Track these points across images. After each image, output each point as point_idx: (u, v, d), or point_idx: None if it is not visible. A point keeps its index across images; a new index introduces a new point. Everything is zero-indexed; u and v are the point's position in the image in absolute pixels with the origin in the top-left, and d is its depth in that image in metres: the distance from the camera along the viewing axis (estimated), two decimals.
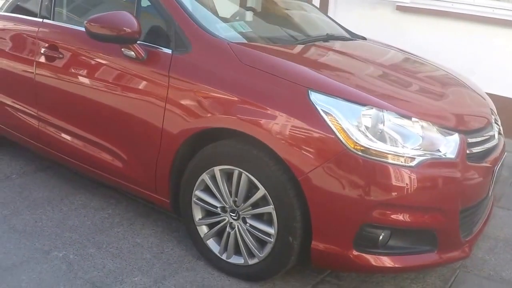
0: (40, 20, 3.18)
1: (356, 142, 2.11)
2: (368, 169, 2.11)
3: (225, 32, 2.63)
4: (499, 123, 2.85)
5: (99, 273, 2.47)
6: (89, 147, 2.94)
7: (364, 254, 2.22)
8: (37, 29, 3.14)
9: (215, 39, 2.50)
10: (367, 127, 2.15)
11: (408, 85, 2.65)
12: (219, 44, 2.48)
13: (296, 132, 2.19)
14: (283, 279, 2.52)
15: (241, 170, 2.34)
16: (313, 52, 2.79)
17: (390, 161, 2.12)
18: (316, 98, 2.19)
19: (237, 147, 2.34)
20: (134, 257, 2.63)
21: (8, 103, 3.40)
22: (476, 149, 2.39)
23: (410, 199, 2.15)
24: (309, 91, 2.21)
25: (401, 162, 2.13)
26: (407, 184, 2.13)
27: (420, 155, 2.16)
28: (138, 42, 2.58)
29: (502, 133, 2.85)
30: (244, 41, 2.62)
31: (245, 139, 2.31)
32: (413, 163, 2.14)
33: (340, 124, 2.13)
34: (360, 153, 2.11)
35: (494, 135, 2.61)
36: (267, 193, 2.28)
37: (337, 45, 3.07)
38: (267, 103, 2.26)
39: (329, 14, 6.09)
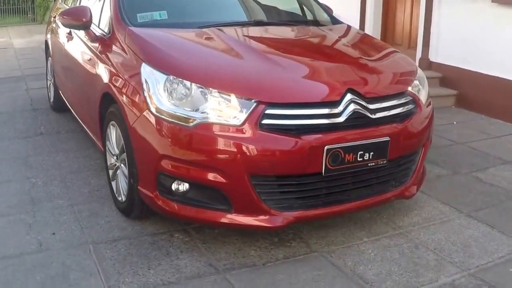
0: None
1: (156, 105, 2.74)
2: (159, 126, 2.71)
3: (141, 19, 3.44)
4: (380, 106, 2.90)
5: (42, 194, 3.55)
6: (77, 101, 4.18)
7: (165, 199, 2.79)
8: None
9: (122, 25, 3.35)
10: (169, 92, 2.73)
11: (254, 61, 3.01)
12: (122, 29, 3.34)
13: (132, 95, 2.92)
14: (153, 221, 3.17)
15: (116, 125, 3.13)
16: (196, 34, 3.34)
17: (175, 121, 2.67)
18: (144, 69, 2.88)
19: (116, 107, 3.14)
20: (77, 190, 3.63)
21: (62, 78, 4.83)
22: (285, 122, 2.65)
23: (188, 155, 2.65)
24: (143, 63, 2.91)
25: (182, 122, 2.65)
26: (183, 142, 2.65)
27: (200, 118, 2.62)
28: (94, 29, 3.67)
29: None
30: (147, 27, 3.36)
31: None
32: (191, 124, 2.63)
33: (150, 89, 2.78)
34: (156, 113, 2.73)
35: (338, 113, 2.74)
36: (123, 143, 3.03)
37: (240, 29, 3.52)
38: (125, 73, 3.05)
39: (434, 13, 6.04)
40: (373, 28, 6.97)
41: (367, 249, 2.99)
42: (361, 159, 2.78)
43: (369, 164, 2.83)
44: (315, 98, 2.78)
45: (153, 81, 2.79)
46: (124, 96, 2.97)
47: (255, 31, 3.60)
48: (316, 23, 4.02)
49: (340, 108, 2.76)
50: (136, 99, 2.86)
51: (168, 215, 2.91)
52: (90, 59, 3.62)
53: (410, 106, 3.08)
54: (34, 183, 3.74)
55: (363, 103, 2.83)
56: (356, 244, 3.04)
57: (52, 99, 5.47)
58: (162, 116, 2.70)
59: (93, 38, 3.66)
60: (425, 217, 3.38)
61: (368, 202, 2.97)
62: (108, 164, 3.43)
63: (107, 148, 3.41)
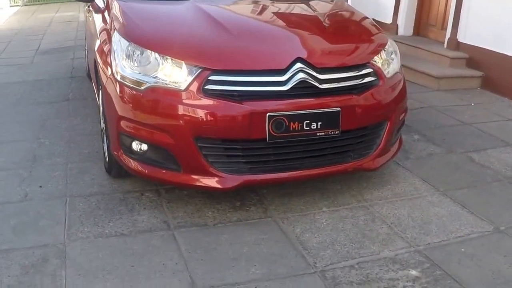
0: None
1: (118, 69, 2.86)
2: (120, 90, 2.84)
3: None
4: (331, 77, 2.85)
5: (45, 153, 3.80)
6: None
7: (127, 158, 2.92)
8: None
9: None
10: (130, 58, 2.83)
11: (210, 30, 3.01)
12: (112, 1, 3.47)
13: (105, 60, 3.06)
14: (132, 180, 3.30)
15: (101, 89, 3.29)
16: (172, 6, 3.40)
17: (130, 85, 2.79)
18: (114, 37, 3.01)
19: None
20: (78, 150, 3.84)
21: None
22: (228, 88, 2.69)
23: (140, 117, 2.76)
24: (115, 31, 3.04)
25: (135, 86, 2.76)
26: (136, 104, 2.77)
27: (151, 82, 2.71)
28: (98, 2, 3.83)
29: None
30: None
31: None
32: (142, 88, 2.73)
33: (116, 55, 2.91)
34: (117, 77, 2.86)
35: (283, 82, 2.73)
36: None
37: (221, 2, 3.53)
38: (104, 41, 3.19)
39: None
40: (407, 8, 6.67)
41: (322, 218, 2.97)
42: (308, 128, 2.75)
43: (318, 134, 2.79)
44: (259, 66, 2.78)
45: (119, 47, 2.92)
46: (101, 61, 3.12)
47: (231, 2, 3.62)
48: None
49: (286, 76, 2.75)
50: (107, 64, 3.02)
51: (131, 172, 3.03)
52: (92, 29, 3.81)
53: (370, 78, 2.99)
54: (42, 143, 4.00)
55: (313, 73, 2.79)
56: (313, 213, 3.02)
57: (87, 68, 5.77)
58: (122, 81, 2.83)
59: (96, 10, 3.83)
60: (396, 192, 3.28)
61: (322, 171, 2.93)
62: (102, 127, 3.60)
63: (100, 112, 3.58)
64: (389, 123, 3.07)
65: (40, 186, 3.29)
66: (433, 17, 6.48)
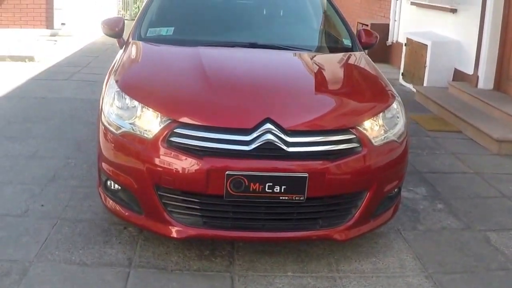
0: None
1: (104, 111, 3.12)
2: (104, 129, 3.07)
3: (150, 34, 3.87)
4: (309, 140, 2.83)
5: (65, 173, 4.15)
6: None
7: (104, 195, 3.15)
8: None
9: (131, 38, 3.83)
10: (115, 102, 3.06)
11: (191, 82, 3.16)
12: (129, 41, 3.79)
13: (103, 98, 3.31)
14: None
15: None
16: (172, 52, 3.63)
17: (110, 128, 3.01)
18: (110, 79, 3.29)
19: None
20: (93, 175, 3.93)
21: None
22: (191, 142, 2.78)
23: (113, 157, 2.98)
24: (112, 74, 3.33)
25: (114, 130, 2.98)
26: (110, 146, 2.99)
27: (127, 128, 2.91)
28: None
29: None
30: (150, 41, 3.79)
31: None
32: (118, 132, 2.95)
33: (106, 96, 3.19)
34: (103, 118, 3.11)
35: (247, 141, 2.74)
36: None
37: (224, 49, 3.71)
38: (108, 79, 3.44)
39: None
40: (487, 59, 6.28)
41: (280, 283, 2.92)
42: (270, 190, 2.74)
43: (281, 198, 2.77)
44: (225, 124, 2.82)
45: (110, 90, 3.17)
46: (101, 98, 3.37)
47: (233, 52, 3.69)
48: (328, 49, 3.97)
49: (251, 136, 2.76)
50: (100, 104, 3.27)
51: (106, 209, 3.23)
52: None
53: (350, 145, 2.89)
54: (67, 163, 4.36)
55: (281, 135, 2.78)
56: (274, 275, 2.98)
57: None
58: (105, 122, 3.06)
59: (122, 45, 4.06)
60: (377, 267, 3.12)
61: (285, 236, 2.90)
62: None
63: None
64: (368, 194, 2.94)
65: (42, 205, 3.61)
66: None
